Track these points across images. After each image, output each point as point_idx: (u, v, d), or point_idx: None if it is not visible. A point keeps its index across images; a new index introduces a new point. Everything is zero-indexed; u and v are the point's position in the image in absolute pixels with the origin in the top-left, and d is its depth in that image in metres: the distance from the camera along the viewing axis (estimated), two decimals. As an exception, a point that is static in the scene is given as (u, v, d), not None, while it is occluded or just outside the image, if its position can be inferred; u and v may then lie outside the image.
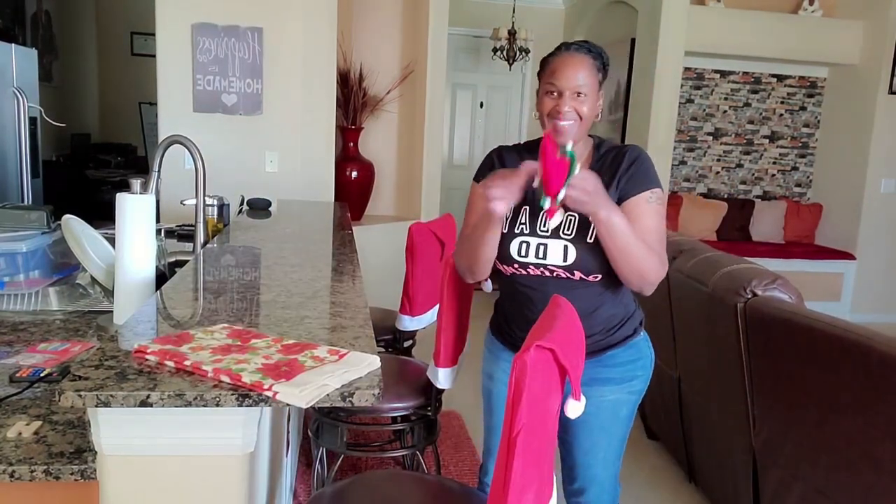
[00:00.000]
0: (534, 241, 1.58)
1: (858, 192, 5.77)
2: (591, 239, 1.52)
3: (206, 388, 0.93)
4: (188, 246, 2.34)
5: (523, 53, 6.16)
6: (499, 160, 1.70)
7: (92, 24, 6.90)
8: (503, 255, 1.61)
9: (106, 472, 0.96)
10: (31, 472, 0.96)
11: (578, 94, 1.52)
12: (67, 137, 6.24)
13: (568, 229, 1.55)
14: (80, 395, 0.89)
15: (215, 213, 2.45)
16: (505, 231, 1.60)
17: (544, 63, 1.59)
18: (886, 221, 5.79)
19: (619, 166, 1.57)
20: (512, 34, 6.07)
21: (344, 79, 4.38)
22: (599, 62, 1.57)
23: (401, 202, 4.94)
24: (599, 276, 1.55)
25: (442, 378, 1.90)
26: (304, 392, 0.92)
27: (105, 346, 1.07)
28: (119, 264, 1.54)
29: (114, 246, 1.60)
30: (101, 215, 2.95)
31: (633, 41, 5.46)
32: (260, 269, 1.81)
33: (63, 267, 1.90)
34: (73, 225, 1.76)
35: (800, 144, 6.37)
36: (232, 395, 0.92)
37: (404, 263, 2.43)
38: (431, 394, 2.00)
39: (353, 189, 4.45)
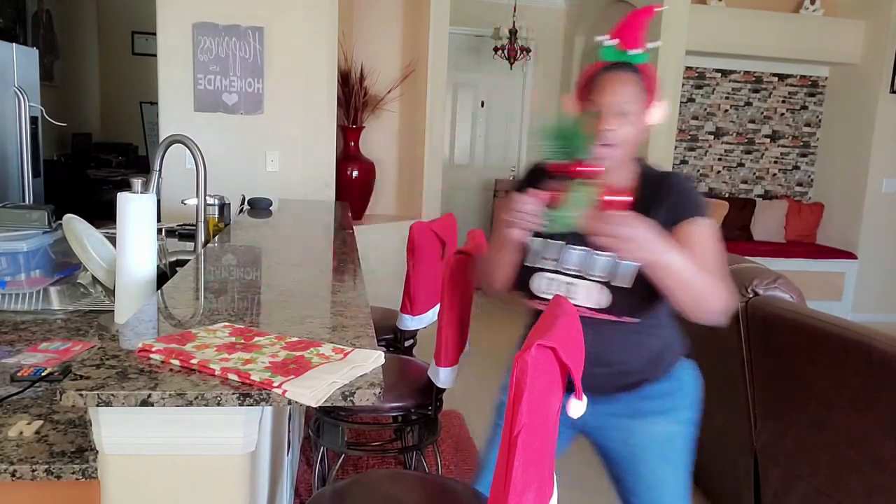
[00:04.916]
0: (560, 279, 1.44)
1: (860, 192, 5.77)
2: (631, 283, 1.38)
3: (207, 387, 0.93)
4: (189, 245, 2.34)
5: (524, 53, 6.15)
6: (531, 177, 1.54)
7: (93, 23, 6.91)
8: (521, 286, 1.49)
9: (107, 471, 0.96)
10: (33, 471, 0.96)
11: (622, 113, 1.37)
12: (68, 137, 6.24)
13: (599, 269, 1.40)
14: (81, 395, 0.89)
15: (216, 212, 2.45)
16: (528, 263, 1.47)
17: (585, 80, 1.45)
18: (888, 221, 5.78)
19: (663, 192, 1.43)
20: (513, 33, 6.06)
21: (345, 78, 4.37)
22: (644, 82, 1.42)
23: (402, 201, 4.94)
24: (636, 320, 1.43)
25: (443, 377, 1.90)
26: (314, 392, 0.92)
27: (106, 346, 1.07)
28: (120, 264, 1.54)
29: (115, 245, 1.60)
30: (102, 215, 2.96)
31: (634, 40, 5.46)
32: (261, 268, 1.81)
33: (64, 266, 1.90)
34: (75, 224, 1.76)
35: (801, 144, 6.36)
36: (233, 394, 0.92)
37: (405, 263, 2.43)
38: (432, 393, 2.00)
39: (354, 188, 4.45)
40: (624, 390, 1.49)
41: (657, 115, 1.43)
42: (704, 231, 1.40)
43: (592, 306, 1.42)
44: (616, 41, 1.42)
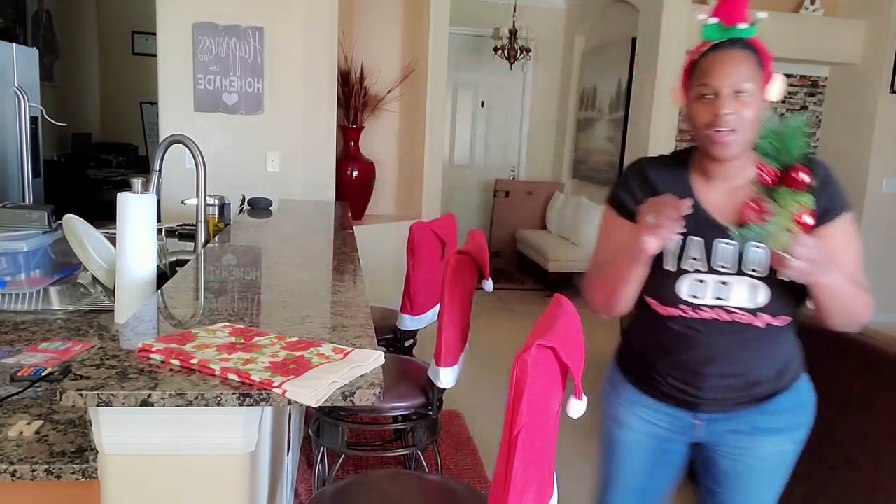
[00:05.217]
0: (712, 279, 1.32)
1: (860, 192, 5.77)
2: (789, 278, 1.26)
3: (207, 387, 0.93)
4: (189, 245, 2.34)
5: (524, 53, 6.15)
6: (643, 179, 1.40)
7: (93, 23, 6.91)
8: (665, 295, 1.36)
9: (107, 471, 0.96)
10: (33, 471, 0.96)
11: (739, 92, 1.25)
12: (68, 137, 6.24)
13: (756, 264, 1.30)
14: (81, 395, 0.90)
15: (216, 212, 2.45)
16: (669, 267, 1.34)
17: (692, 67, 1.32)
18: (888, 221, 5.78)
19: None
20: (513, 33, 6.07)
21: (345, 78, 4.37)
22: (759, 59, 1.29)
23: (402, 201, 4.94)
24: (789, 319, 1.35)
25: (443, 377, 1.90)
26: (314, 392, 0.92)
27: (106, 346, 1.07)
28: (120, 264, 1.54)
29: (115, 245, 1.60)
30: (102, 215, 2.95)
31: (634, 40, 5.46)
32: (261, 268, 1.81)
33: (64, 266, 1.90)
34: (75, 224, 1.76)
35: (801, 144, 6.36)
36: (233, 394, 0.92)
37: (405, 263, 2.43)
38: (432, 393, 2.00)
39: (354, 188, 4.45)
40: (751, 404, 1.39)
41: (775, 90, 1.30)
42: (850, 228, 1.31)
43: (747, 306, 1.31)
44: (716, 19, 1.30)
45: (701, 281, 1.32)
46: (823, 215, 1.26)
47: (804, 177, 1.14)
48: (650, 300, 1.39)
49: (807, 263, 1.14)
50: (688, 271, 1.33)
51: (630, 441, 1.50)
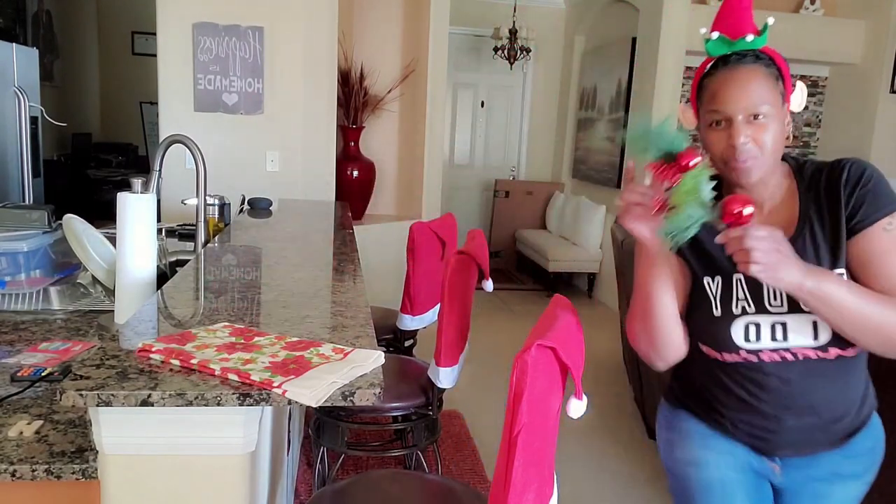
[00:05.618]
0: (766, 320, 1.18)
1: (860, 192, 5.77)
2: None
3: (207, 387, 0.93)
4: (189, 245, 2.34)
5: (524, 53, 6.15)
6: None
7: (93, 23, 6.91)
8: (719, 341, 1.21)
9: (107, 471, 0.96)
10: (33, 471, 0.96)
11: (755, 116, 1.11)
12: (68, 137, 6.25)
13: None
14: (81, 395, 0.90)
15: (216, 212, 2.45)
16: (717, 313, 1.21)
17: (701, 86, 1.18)
18: (888, 221, 5.78)
19: (838, 189, 1.16)
20: (513, 33, 6.06)
21: (345, 78, 4.38)
22: (775, 69, 1.15)
23: (402, 201, 4.94)
24: (859, 348, 1.20)
25: (443, 377, 1.90)
26: (314, 392, 0.92)
27: (106, 346, 1.07)
28: (120, 264, 1.54)
29: (115, 245, 1.60)
30: (102, 215, 2.96)
31: (634, 40, 5.46)
32: (261, 268, 1.81)
33: (64, 266, 1.90)
34: (75, 224, 1.76)
35: (801, 144, 6.36)
36: (233, 394, 0.92)
37: (405, 263, 2.43)
38: (432, 393, 2.00)
39: (354, 188, 4.46)
40: (832, 446, 1.25)
41: (797, 100, 1.18)
42: (891, 238, 1.13)
43: (810, 344, 1.17)
44: (716, 33, 1.16)
45: (755, 324, 1.18)
46: (854, 218, 1.13)
47: (692, 158, 1.04)
48: (705, 348, 1.25)
49: (763, 255, 1.00)
50: (737, 315, 1.19)
51: (717, 479, 1.30)
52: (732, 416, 1.27)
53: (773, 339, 1.17)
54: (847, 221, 1.15)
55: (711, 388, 1.28)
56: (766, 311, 1.17)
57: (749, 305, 1.19)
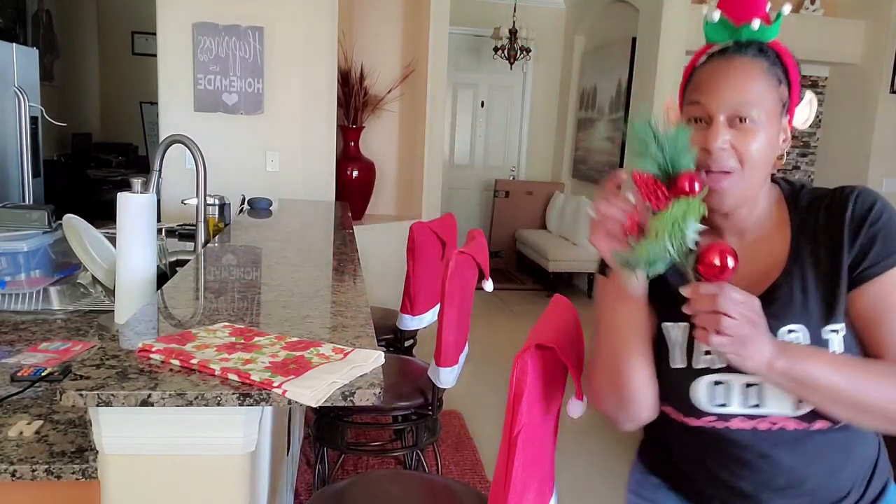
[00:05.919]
0: (736, 379, 0.95)
1: (860, 192, 5.77)
2: None
3: (207, 387, 0.93)
4: (189, 245, 2.34)
5: (524, 53, 6.15)
6: None
7: (93, 23, 6.91)
8: (681, 402, 0.99)
9: (107, 471, 0.96)
10: (33, 471, 0.96)
11: (742, 119, 0.91)
12: (68, 137, 6.25)
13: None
14: (81, 395, 0.90)
15: (216, 212, 2.45)
16: (679, 365, 0.99)
17: (688, 73, 0.99)
18: (888, 221, 5.79)
19: (841, 226, 0.94)
20: (513, 33, 6.07)
21: (345, 78, 4.38)
22: (780, 70, 0.95)
23: (402, 201, 4.94)
24: None
25: (443, 377, 1.90)
26: (314, 392, 0.92)
27: (106, 346, 1.07)
28: (120, 264, 1.54)
29: (115, 245, 1.60)
30: (102, 215, 2.95)
31: (634, 40, 5.46)
32: (261, 268, 1.81)
33: (64, 266, 1.90)
34: (75, 224, 1.76)
35: (801, 144, 6.36)
36: (233, 394, 0.92)
37: (405, 263, 2.43)
38: (432, 393, 2.00)
39: (354, 188, 4.46)
40: None
41: (802, 115, 0.98)
42: None
43: (793, 413, 0.94)
44: (719, 13, 0.96)
45: (720, 383, 0.96)
46: (862, 263, 0.91)
47: (692, 185, 0.84)
48: (667, 408, 1.03)
49: (734, 326, 0.79)
50: (700, 371, 0.97)
51: None
52: (709, 493, 1.05)
53: (746, 404, 0.95)
54: (851, 268, 0.93)
55: (683, 456, 1.07)
56: (736, 370, 0.88)
57: (715, 361, 0.96)
